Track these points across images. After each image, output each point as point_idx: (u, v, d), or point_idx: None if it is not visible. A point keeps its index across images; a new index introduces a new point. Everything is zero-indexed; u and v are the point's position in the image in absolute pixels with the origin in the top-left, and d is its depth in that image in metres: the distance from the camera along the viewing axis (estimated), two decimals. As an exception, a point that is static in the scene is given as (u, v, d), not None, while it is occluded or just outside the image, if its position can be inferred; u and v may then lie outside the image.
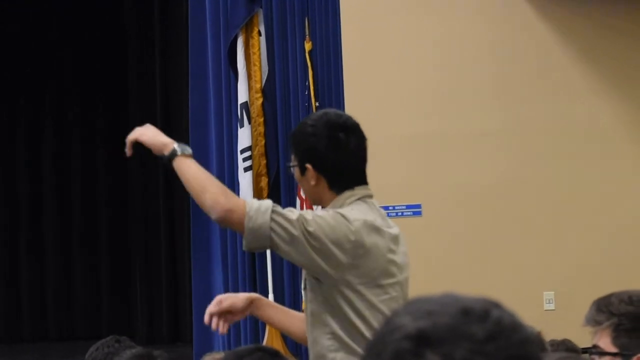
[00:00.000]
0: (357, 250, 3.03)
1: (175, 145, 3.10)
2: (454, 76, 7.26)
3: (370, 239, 3.05)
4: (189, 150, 3.11)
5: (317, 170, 3.14)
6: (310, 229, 2.97)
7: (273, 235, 2.97)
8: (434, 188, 7.18)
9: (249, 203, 2.99)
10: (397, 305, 3.05)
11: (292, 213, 3.01)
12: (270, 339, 7.40)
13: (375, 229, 3.08)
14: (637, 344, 2.34)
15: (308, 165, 3.14)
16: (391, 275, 3.12)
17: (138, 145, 3.18)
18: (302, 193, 3.27)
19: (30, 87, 10.91)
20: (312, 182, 3.16)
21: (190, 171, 3.07)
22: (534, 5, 7.23)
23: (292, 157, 3.23)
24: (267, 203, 3.01)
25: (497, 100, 7.23)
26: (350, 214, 3.05)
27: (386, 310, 3.05)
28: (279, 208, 3.00)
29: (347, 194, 3.16)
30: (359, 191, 3.18)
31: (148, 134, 3.17)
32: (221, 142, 7.80)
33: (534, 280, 7.05)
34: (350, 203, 3.14)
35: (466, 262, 7.08)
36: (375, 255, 3.07)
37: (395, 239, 3.17)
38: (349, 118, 3.27)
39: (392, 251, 3.14)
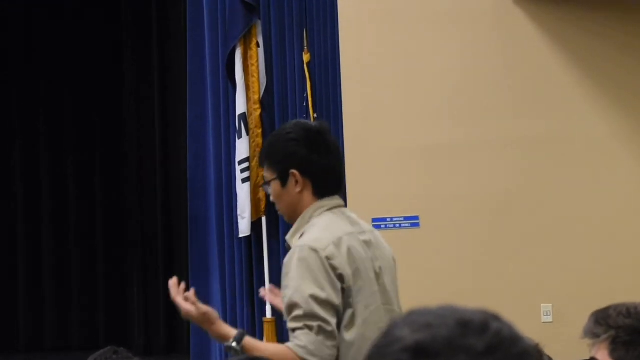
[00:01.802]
0: (345, 273, 3.04)
1: (232, 341, 3.05)
2: (452, 88, 7.26)
3: (343, 254, 3.04)
4: (242, 338, 3.07)
5: (303, 175, 3.12)
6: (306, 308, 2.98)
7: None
8: (432, 200, 7.17)
9: (307, 354, 2.96)
10: (378, 313, 3.08)
11: (311, 322, 2.98)
12: (267, 351, 7.38)
13: (343, 240, 3.07)
14: (634, 357, 2.34)
15: (294, 171, 3.11)
16: (372, 282, 3.12)
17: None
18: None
19: (23, 96, 10.89)
20: (297, 189, 3.12)
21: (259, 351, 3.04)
22: (531, 16, 7.24)
23: (268, 172, 3.19)
24: (315, 341, 2.97)
25: (495, 112, 7.23)
26: (318, 242, 3.03)
27: (374, 319, 3.07)
28: (322, 330, 2.98)
29: (316, 205, 3.13)
30: (327, 202, 3.16)
31: (213, 329, 3.13)
32: (219, 153, 7.80)
33: (532, 292, 7.05)
34: (318, 215, 3.12)
35: (464, 274, 7.07)
36: (357, 264, 3.08)
37: (368, 244, 3.16)
38: (322, 123, 3.31)
39: (369, 259, 3.13)
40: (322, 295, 2.96)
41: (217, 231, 7.78)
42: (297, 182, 3.12)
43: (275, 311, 7.37)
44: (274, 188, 3.17)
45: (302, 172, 3.11)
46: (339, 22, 7.39)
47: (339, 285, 3.00)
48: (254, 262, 7.68)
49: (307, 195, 3.13)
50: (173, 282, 3.16)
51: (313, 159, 3.12)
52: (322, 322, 2.95)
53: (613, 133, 7.20)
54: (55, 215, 10.86)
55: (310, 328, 2.95)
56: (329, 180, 3.16)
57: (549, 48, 7.24)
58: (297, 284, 2.98)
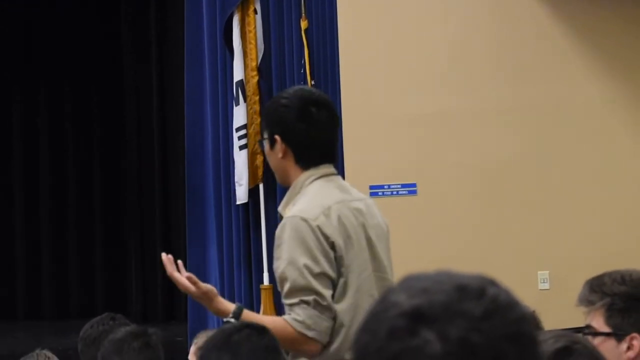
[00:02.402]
0: (337, 242, 3.04)
1: (230, 317, 3.03)
2: (452, 56, 7.24)
3: (334, 223, 3.04)
4: (240, 313, 3.05)
5: (284, 142, 3.13)
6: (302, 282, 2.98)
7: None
8: (429, 167, 7.18)
9: (305, 328, 2.97)
10: (369, 281, 3.09)
11: (305, 296, 2.99)
12: (264, 318, 7.40)
13: (332, 209, 3.07)
14: (630, 324, 2.34)
15: (277, 137, 3.13)
16: (363, 249, 3.12)
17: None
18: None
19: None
20: (280, 155, 3.14)
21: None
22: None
23: (263, 132, 3.27)
24: (312, 315, 2.98)
25: (494, 81, 7.22)
26: (307, 212, 3.03)
27: (366, 287, 3.08)
28: (318, 304, 3.00)
29: (306, 174, 3.13)
30: (318, 171, 3.15)
31: (212, 306, 3.08)
32: (216, 120, 7.78)
33: (529, 259, 7.06)
34: (309, 184, 3.12)
35: (460, 241, 7.09)
36: (348, 232, 3.08)
37: (359, 211, 3.15)
38: (322, 94, 3.31)
39: (360, 225, 3.12)
40: (316, 268, 2.97)
41: (214, 198, 7.78)
42: (279, 148, 3.14)
43: (272, 278, 7.39)
44: (266, 147, 3.24)
45: (283, 139, 3.12)
46: (337, -12, 7.36)
47: (332, 254, 3.00)
48: (251, 229, 7.69)
49: (289, 162, 3.14)
50: (168, 258, 3.06)
51: (298, 128, 3.11)
52: (317, 295, 2.96)
53: (609, 99, 7.19)
54: (53, 184, 10.85)
55: (307, 303, 2.96)
56: (311, 152, 3.14)
57: (544, 15, 7.21)
58: (290, 256, 2.98)
